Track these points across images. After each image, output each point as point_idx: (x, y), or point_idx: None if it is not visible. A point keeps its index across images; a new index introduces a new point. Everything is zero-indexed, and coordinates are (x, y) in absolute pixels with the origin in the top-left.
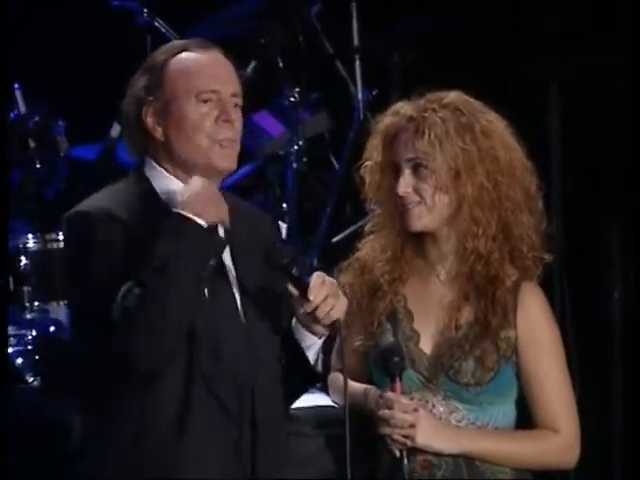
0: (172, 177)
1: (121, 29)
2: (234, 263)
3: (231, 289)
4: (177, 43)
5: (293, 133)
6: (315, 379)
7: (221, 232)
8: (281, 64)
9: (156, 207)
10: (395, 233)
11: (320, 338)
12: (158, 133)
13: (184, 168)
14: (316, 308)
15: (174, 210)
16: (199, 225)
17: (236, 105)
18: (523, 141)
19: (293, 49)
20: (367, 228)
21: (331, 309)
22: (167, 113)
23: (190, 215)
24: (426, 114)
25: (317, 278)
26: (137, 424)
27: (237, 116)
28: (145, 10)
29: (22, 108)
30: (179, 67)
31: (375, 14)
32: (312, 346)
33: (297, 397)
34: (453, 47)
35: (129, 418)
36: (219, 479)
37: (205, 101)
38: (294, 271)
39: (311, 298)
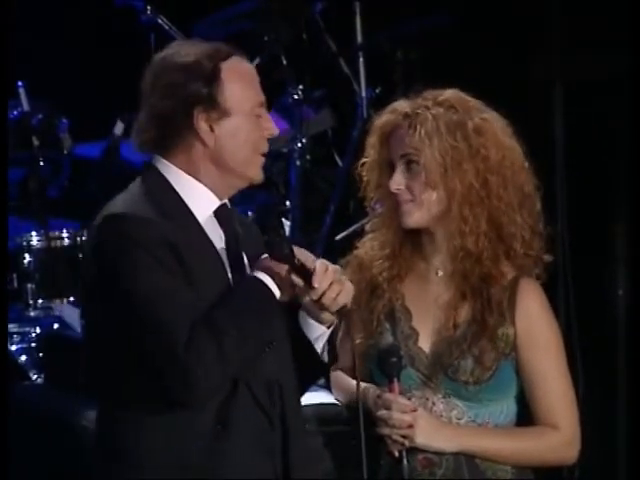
0: (188, 176)
1: (125, 27)
2: (249, 265)
3: None
4: (218, 46)
5: (296, 131)
6: (322, 371)
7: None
8: (285, 62)
9: (180, 209)
10: (393, 231)
11: (329, 327)
12: (210, 140)
13: (222, 175)
14: (322, 295)
15: (256, 274)
16: (274, 295)
17: None
18: (527, 140)
19: (297, 47)
20: (368, 226)
21: (337, 295)
22: (223, 123)
23: (269, 283)
24: (419, 111)
25: (320, 265)
26: (175, 424)
27: None
28: (149, 8)
29: (26, 106)
30: (235, 78)
31: (379, 12)
32: (320, 337)
33: (305, 390)
34: (457, 45)
35: (168, 418)
36: (255, 478)
37: (257, 115)
38: (296, 261)
39: (316, 285)
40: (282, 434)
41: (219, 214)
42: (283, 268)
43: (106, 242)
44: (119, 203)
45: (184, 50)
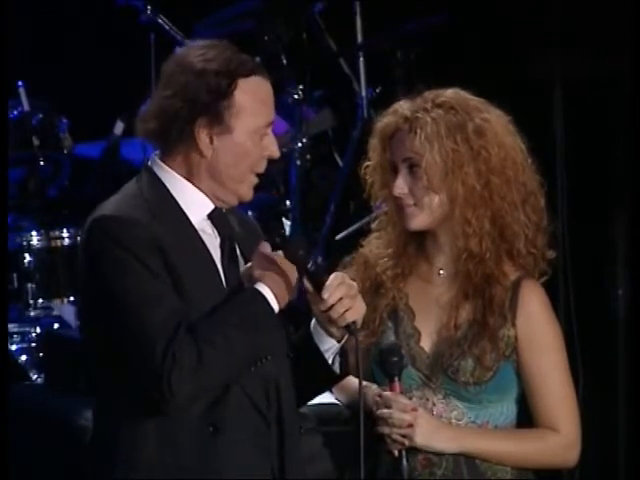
0: (183, 179)
1: (125, 27)
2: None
3: None
4: (244, 60)
5: (297, 130)
6: (332, 381)
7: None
8: (285, 61)
9: (173, 211)
10: (398, 230)
11: (339, 342)
12: (207, 151)
13: (214, 186)
14: (331, 308)
15: (257, 287)
16: (272, 310)
17: None
18: (527, 140)
19: (297, 46)
20: (374, 225)
21: (346, 311)
22: (226, 139)
23: (270, 297)
24: (419, 114)
25: (335, 278)
26: (168, 424)
27: None
28: (149, 7)
29: (26, 106)
30: (249, 98)
31: (379, 11)
32: (330, 349)
33: (312, 398)
34: (457, 45)
35: (160, 418)
36: (251, 478)
37: (262, 135)
38: (310, 265)
39: (324, 297)
40: (278, 435)
41: (214, 217)
42: (284, 276)
43: (93, 243)
44: (110, 204)
45: (210, 54)
